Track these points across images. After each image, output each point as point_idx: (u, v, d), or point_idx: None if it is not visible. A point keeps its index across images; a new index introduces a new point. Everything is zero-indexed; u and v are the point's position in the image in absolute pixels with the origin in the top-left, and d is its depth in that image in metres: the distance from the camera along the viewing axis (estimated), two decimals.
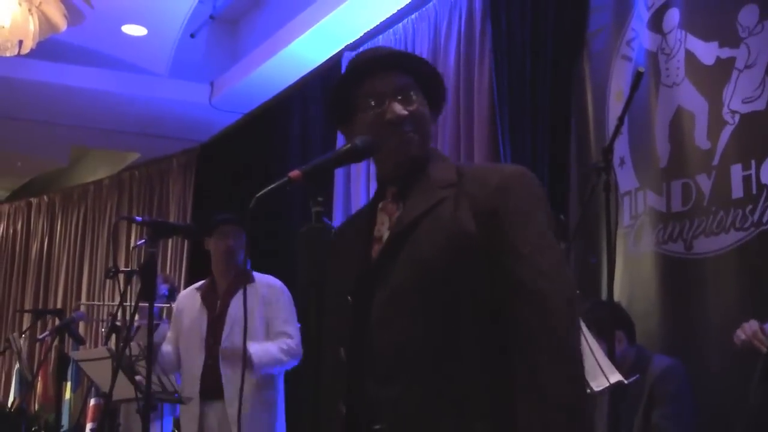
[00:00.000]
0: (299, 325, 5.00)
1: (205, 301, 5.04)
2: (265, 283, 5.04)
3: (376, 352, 2.05)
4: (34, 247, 12.88)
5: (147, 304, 3.78)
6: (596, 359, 3.49)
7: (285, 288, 5.06)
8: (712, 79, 4.61)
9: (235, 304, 4.91)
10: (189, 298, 5.15)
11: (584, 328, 3.57)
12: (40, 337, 8.20)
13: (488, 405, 1.95)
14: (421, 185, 2.15)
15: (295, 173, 2.03)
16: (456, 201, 2.06)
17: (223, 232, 5.01)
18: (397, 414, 1.99)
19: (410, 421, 1.98)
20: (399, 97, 2.17)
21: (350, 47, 7.60)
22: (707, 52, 4.65)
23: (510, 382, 1.93)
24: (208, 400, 4.86)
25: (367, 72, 2.21)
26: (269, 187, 2.02)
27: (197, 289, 5.17)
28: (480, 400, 1.95)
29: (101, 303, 11.06)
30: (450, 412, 1.96)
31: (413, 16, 6.88)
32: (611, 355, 3.56)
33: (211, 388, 4.85)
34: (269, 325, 4.94)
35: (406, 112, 2.16)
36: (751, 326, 3.44)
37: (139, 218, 4.24)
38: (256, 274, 5.09)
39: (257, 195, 2.03)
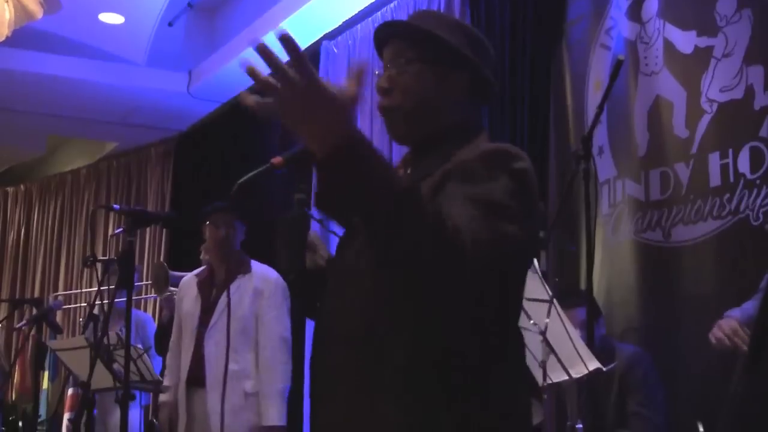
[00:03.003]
0: (289, 323, 4.97)
1: (201, 289, 5.03)
2: (261, 274, 4.98)
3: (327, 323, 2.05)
4: (11, 237, 12.79)
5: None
6: (575, 347, 3.51)
7: (281, 281, 4.92)
8: (691, 68, 4.63)
9: (228, 295, 4.88)
10: (188, 286, 5.14)
11: (562, 315, 3.59)
12: (18, 326, 8.15)
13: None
14: (422, 160, 2.09)
15: (277, 159, 2.02)
16: (434, 179, 1.96)
17: (215, 221, 4.95)
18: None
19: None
20: (391, 69, 2.11)
21: (329, 36, 7.58)
22: (685, 41, 4.67)
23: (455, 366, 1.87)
24: (194, 387, 4.86)
25: (381, 43, 2.18)
26: (251, 174, 2.01)
27: (196, 275, 5.15)
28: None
29: (79, 290, 11.00)
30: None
31: (392, 5, 6.86)
32: (590, 343, 3.58)
33: (196, 376, 4.85)
34: (258, 319, 4.91)
35: (384, 85, 2.11)
36: (729, 324, 3.33)
37: (117, 207, 4.22)
38: (254, 264, 5.03)
39: (239, 181, 2.01)
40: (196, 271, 5.25)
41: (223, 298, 4.86)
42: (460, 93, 2.13)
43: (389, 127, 2.14)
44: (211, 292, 5.01)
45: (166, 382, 5.04)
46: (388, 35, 2.17)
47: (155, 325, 6.65)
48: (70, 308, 11.02)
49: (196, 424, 4.86)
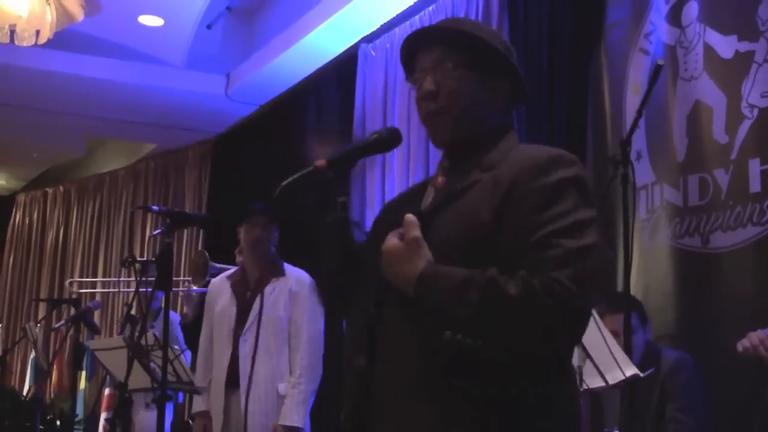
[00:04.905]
0: (323, 327, 4.96)
1: (235, 291, 5.02)
2: (295, 277, 4.97)
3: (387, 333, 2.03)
4: (50, 237, 12.92)
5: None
6: (611, 352, 3.48)
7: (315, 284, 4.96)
8: (731, 73, 4.58)
9: (263, 297, 4.89)
10: (220, 287, 5.13)
11: (598, 321, 3.56)
12: (56, 326, 8.23)
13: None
14: (466, 165, 2.07)
15: (320, 162, 1.99)
16: (485, 186, 1.97)
17: (253, 221, 4.94)
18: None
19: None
20: (433, 73, 2.10)
21: (367, 39, 7.58)
22: (726, 45, 4.62)
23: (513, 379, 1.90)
24: (231, 389, 4.86)
25: (415, 47, 2.16)
26: (294, 176, 1.99)
27: (228, 277, 5.14)
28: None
29: (117, 290, 11.08)
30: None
31: (430, 9, 6.85)
32: (627, 348, 3.55)
33: (234, 378, 4.85)
34: (292, 322, 4.91)
35: (431, 88, 2.09)
36: (758, 335, 3.32)
37: (156, 208, 4.24)
38: (287, 266, 5.02)
39: (282, 184, 1.99)
40: (226, 273, 5.25)
41: (258, 300, 4.87)
42: (501, 100, 2.14)
43: (434, 131, 2.13)
44: (245, 293, 5.01)
45: (197, 384, 5.04)
46: (428, 39, 2.15)
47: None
48: (107, 309, 11.10)
49: (233, 426, 4.87)
